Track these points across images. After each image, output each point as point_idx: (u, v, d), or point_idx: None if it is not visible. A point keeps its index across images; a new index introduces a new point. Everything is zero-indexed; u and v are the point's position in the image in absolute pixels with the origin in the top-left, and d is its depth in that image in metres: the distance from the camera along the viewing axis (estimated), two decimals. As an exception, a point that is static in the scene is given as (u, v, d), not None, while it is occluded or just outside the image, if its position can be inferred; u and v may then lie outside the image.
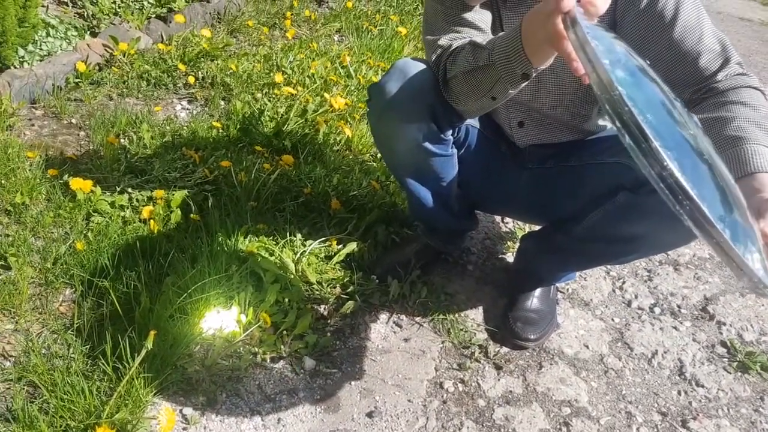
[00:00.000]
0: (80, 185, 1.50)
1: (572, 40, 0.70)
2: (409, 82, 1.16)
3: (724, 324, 1.58)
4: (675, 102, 0.79)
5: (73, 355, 1.16)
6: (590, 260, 1.38)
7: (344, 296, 1.45)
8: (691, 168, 0.62)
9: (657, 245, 1.20)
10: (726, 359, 1.48)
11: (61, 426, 1.03)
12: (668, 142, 0.59)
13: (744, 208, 0.72)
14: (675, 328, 1.55)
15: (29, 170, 1.57)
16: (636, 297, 1.64)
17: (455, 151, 1.31)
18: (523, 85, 0.96)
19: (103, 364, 1.12)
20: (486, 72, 0.98)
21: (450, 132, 1.23)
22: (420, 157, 1.26)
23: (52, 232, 1.43)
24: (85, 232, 1.43)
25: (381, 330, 1.41)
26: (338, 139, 1.98)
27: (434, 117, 1.17)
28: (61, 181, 1.56)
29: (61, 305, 1.29)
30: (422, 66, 1.18)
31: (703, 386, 1.39)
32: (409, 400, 1.26)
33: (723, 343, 1.52)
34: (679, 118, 0.75)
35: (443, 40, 1.11)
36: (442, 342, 1.41)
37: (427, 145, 1.22)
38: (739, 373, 1.44)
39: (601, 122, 1.30)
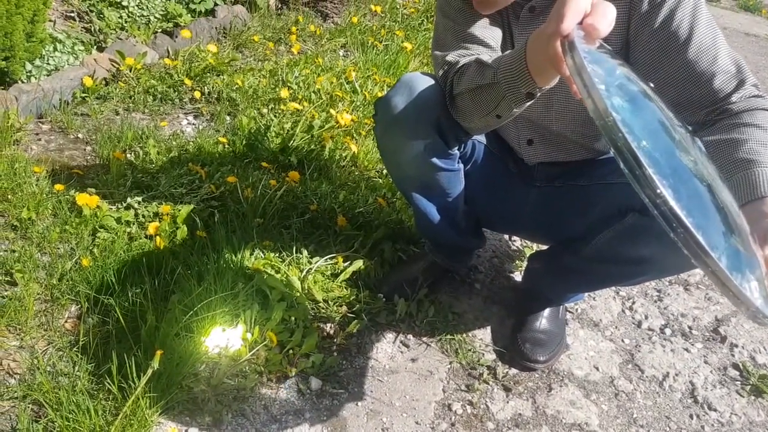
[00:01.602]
0: (86, 200, 1.50)
1: (569, 66, 0.69)
2: (416, 96, 1.15)
3: (737, 346, 1.56)
4: (677, 126, 0.78)
5: (78, 374, 1.14)
6: (599, 281, 1.36)
7: (350, 315, 1.44)
8: (688, 195, 0.62)
9: (666, 268, 1.19)
10: (739, 382, 1.45)
11: (64, 447, 1.01)
12: (664, 169, 0.59)
13: (746, 234, 0.71)
14: (686, 349, 1.53)
15: (36, 185, 1.57)
16: (646, 318, 1.62)
17: (462, 166, 1.30)
18: (528, 104, 0.96)
19: (108, 383, 1.10)
20: (491, 90, 0.97)
21: (456, 147, 1.23)
22: (426, 172, 1.25)
23: (58, 248, 1.42)
24: (91, 248, 1.42)
25: (388, 350, 1.40)
26: (344, 155, 1.98)
27: (440, 131, 1.17)
28: (68, 197, 1.55)
29: (66, 322, 1.28)
30: (429, 80, 1.18)
31: (715, 410, 1.37)
32: (416, 423, 1.24)
33: (735, 366, 1.50)
34: (681, 143, 0.74)
35: (451, 56, 1.11)
36: (450, 362, 1.39)
37: (434, 159, 1.21)
38: (752, 397, 1.42)
39: None
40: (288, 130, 1.99)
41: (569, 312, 1.59)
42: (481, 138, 1.34)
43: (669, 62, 1.04)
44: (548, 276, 1.45)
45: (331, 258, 1.54)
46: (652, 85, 0.83)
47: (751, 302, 0.57)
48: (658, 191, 0.56)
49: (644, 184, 0.57)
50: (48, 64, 2.10)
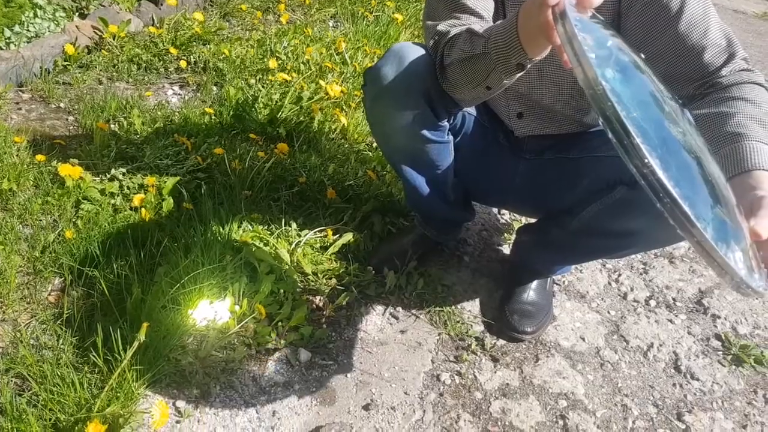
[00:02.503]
0: (69, 171, 1.47)
1: (560, 34, 0.69)
2: (406, 66, 1.13)
3: (719, 317, 1.59)
4: (667, 98, 0.78)
5: (62, 347, 1.13)
6: (586, 254, 1.37)
7: (340, 287, 1.43)
8: (676, 166, 0.62)
9: (653, 241, 1.19)
10: (720, 352, 1.48)
11: (50, 419, 1.00)
12: (653, 140, 0.59)
13: (733, 206, 0.71)
14: (670, 321, 1.55)
15: (16, 155, 1.53)
16: (632, 290, 1.64)
17: (451, 138, 1.28)
18: (518, 75, 0.94)
19: (93, 355, 1.09)
20: (481, 61, 0.96)
21: (446, 118, 1.21)
22: (415, 144, 1.23)
23: (41, 220, 1.39)
24: (74, 219, 1.40)
25: (377, 322, 1.40)
26: (334, 127, 1.95)
27: (430, 102, 1.15)
28: (50, 167, 1.52)
29: (50, 295, 1.26)
30: (419, 50, 1.15)
31: (698, 379, 1.39)
32: (405, 393, 1.25)
33: (717, 336, 1.52)
34: (670, 114, 0.74)
35: (442, 26, 1.09)
36: (439, 334, 1.40)
37: (423, 131, 1.20)
38: (734, 366, 1.44)
39: None
40: (276, 102, 1.95)
41: (556, 284, 1.60)
42: (471, 110, 1.32)
43: (660, 35, 1.03)
44: (536, 248, 1.46)
45: (321, 231, 1.53)
46: (643, 56, 0.82)
47: (735, 272, 0.58)
48: (646, 161, 0.56)
49: (632, 153, 0.57)
50: (28, 30, 2.03)
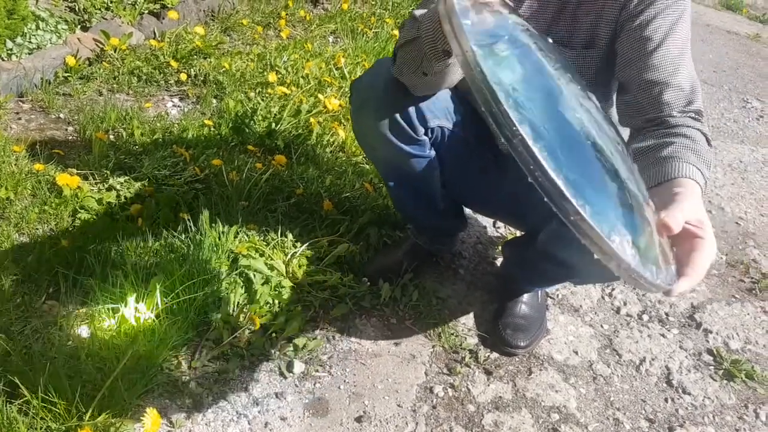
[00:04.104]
0: (67, 181, 1.48)
1: (440, 11, 0.67)
2: (386, 79, 1.13)
3: (711, 332, 1.59)
4: (577, 85, 0.79)
5: (55, 355, 1.13)
6: (544, 278, 1.37)
7: (335, 299, 1.44)
8: (563, 144, 0.60)
9: (587, 275, 1.19)
10: (712, 367, 1.48)
11: (41, 428, 1.00)
12: (534, 114, 0.57)
13: (641, 199, 0.70)
14: (663, 335, 1.56)
15: (15, 164, 1.54)
16: (625, 304, 1.65)
17: (433, 152, 1.29)
18: (450, 62, 0.93)
19: (86, 363, 1.09)
20: (416, 45, 0.95)
21: (423, 132, 1.21)
22: (396, 156, 1.24)
23: (37, 228, 1.40)
24: (70, 228, 1.41)
25: (371, 333, 1.40)
26: (331, 140, 1.97)
27: (405, 116, 1.16)
28: (48, 176, 1.53)
29: (44, 303, 1.26)
30: None
31: (689, 394, 1.40)
32: (398, 405, 1.25)
33: (709, 351, 1.53)
34: (573, 98, 0.73)
35: (417, 11, 1.07)
36: (433, 346, 1.40)
37: (402, 145, 1.21)
38: (725, 381, 1.45)
39: None
40: (275, 114, 1.97)
41: (550, 297, 1.61)
42: (457, 125, 1.33)
43: (633, 63, 1.04)
44: (515, 265, 1.47)
45: (316, 242, 1.54)
46: (551, 40, 0.84)
47: (621, 259, 0.54)
48: (515, 128, 0.54)
49: (501, 122, 0.55)
50: (30, 42, 2.06)
